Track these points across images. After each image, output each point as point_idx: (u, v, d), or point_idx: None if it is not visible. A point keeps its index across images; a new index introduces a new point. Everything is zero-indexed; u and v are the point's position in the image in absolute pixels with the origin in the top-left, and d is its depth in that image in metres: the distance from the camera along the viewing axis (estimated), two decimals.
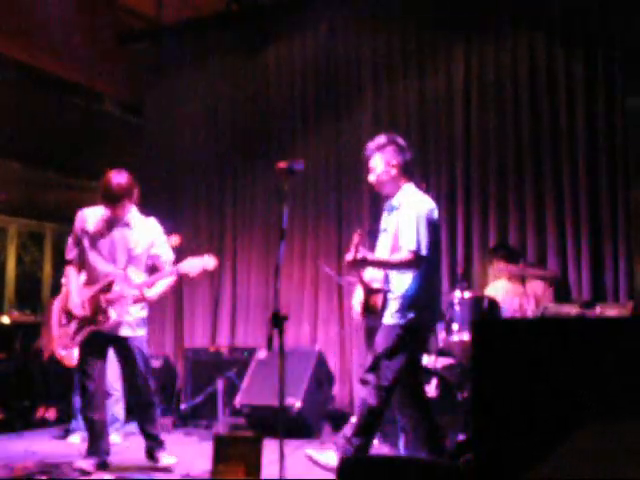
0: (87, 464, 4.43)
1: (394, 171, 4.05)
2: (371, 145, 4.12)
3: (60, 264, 6.14)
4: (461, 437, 4.53)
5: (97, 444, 4.52)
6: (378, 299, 3.99)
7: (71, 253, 4.62)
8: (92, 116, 7.91)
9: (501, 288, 5.64)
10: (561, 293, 5.74)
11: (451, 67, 6.46)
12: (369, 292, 4.04)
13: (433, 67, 6.54)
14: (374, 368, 3.89)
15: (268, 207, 7.09)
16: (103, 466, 4.49)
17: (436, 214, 4.05)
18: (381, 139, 4.11)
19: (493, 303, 5.05)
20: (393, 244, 3.99)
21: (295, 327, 6.70)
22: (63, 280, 5.87)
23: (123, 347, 4.55)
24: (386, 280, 4.02)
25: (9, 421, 6.11)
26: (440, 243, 4.22)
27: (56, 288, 5.97)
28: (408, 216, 3.93)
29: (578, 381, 1.82)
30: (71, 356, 5.35)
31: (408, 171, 4.12)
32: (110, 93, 8.09)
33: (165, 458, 4.61)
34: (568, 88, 5.99)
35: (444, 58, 6.49)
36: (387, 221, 4.13)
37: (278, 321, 3.44)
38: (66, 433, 5.69)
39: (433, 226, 3.96)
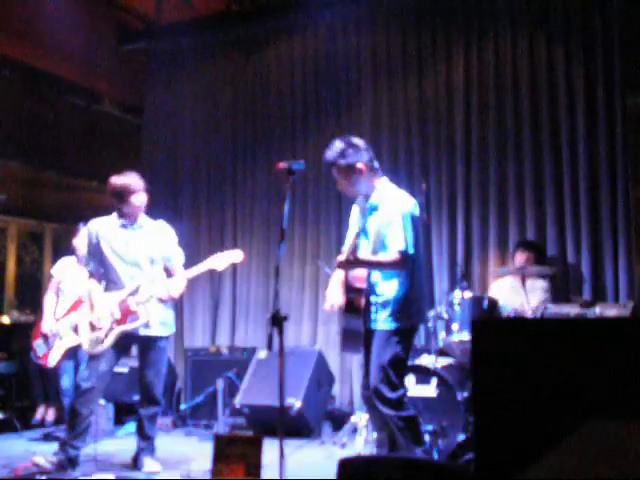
0: (45, 461, 4.41)
1: (362, 171, 3.91)
2: (328, 155, 3.95)
3: None
4: (461, 437, 4.53)
5: (71, 439, 4.47)
6: (362, 300, 3.89)
7: (89, 266, 4.72)
8: (92, 116, 7.91)
9: (505, 287, 5.65)
10: (561, 293, 5.75)
11: (451, 67, 6.46)
12: (352, 292, 3.92)
13: (433, 67, 6.55)
14: (383, 380, 3.79)
15: (268, 207, 7.09)
16: (69, 463, 4.43)
17: (417, 210, 3.96)
18: (336, 146, 3.93)
19: (493, 303, 5.05)
20: (375, 245, 3.89)
21: (295, 327, 6.71)
22: (52, 271, 5.92)
23: (148, 346, 4.65)
24: (368, 281, 3.92)
25: (9, 421, 6.11)
26: (421, 239, 4.10)
27: None
28: (392, 215, 3.84)
29: (578, 381, 1.82)
30: (46, 357, 5.40)
31: (375, 167, 3.99)
32: (110, 93, 8.09)
33: (149, 465, 4.59)
34: (568, 88, 6.00)
35: (444, 58, 6.49)
36: (367, 222, 3.98)
37: (278, 321, 3.43)
38: (46, 437, 5.63)
39: (416, 223, 3.90)
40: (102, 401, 5.85)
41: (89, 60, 7.59)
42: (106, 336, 4.50)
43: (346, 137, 4.02)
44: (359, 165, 3.91)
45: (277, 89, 7.26)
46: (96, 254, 4.65)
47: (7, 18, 6.81)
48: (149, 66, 7.93)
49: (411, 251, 3.81)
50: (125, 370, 6.16)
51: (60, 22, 7.01)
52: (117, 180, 4.62)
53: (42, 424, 5.99)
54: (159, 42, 7.84)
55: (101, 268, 4.65)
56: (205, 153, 7.56)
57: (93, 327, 4.54)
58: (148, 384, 4.66)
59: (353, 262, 3.87)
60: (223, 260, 4.57)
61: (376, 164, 4.02)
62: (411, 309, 3.89)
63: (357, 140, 3.99)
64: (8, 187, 7.78)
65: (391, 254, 3.83)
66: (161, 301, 4.57)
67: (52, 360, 5.51)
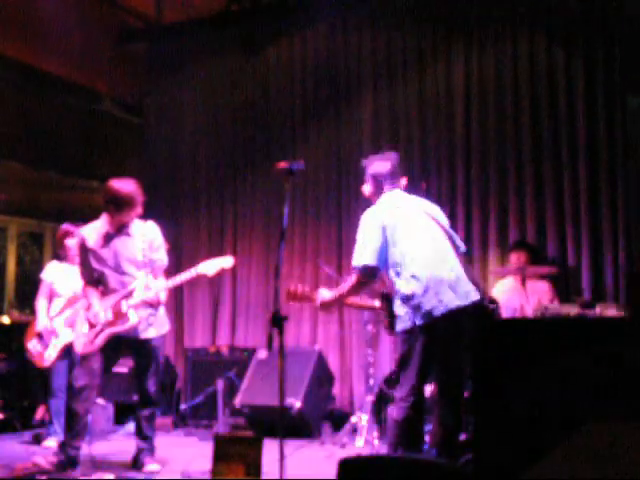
0: (45, 461, 4.43)
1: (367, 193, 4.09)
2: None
3: None
4: (461, 437, 4.52)
5: (70, 439, 4.50)
6: (381, 302, 4.00)
7: (84, 275, 4.74)
8: (92, 116, 7.90)
9: (507, 287, 5.66)
10: (561, 293, 5.75)
11: (451, 67, 6.46)
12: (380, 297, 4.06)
13: (433, 67, 6.55)
14: (395, 382, 3.81)
15: (268, 207, 7.09)
16: (69, 463, 4.45)
17: (387, 217, 3.80)
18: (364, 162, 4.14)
19: (493, 303, 5.04)
20: None
21: (295, 327, 6.70)
22: (41, 275, 5.89)
23: (140, 349, 4.68)
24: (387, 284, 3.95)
25: (9, 421, 6.11)
26: (409, 232, 3.80)
27: None
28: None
29: (578, 381, 1.82)
30: (42, 356, 5.38)
31: (377, 189, 4.05)
32: (110, 93, 8.08)
33: (150, 465, 4.60)
34: (568, 88, 6.00)
35: (444, 58, 6.49)
36: None
37: (278, 321, 3.43)
38: (36, 438, 5.62)
39: (379, 227, 3.78)
40: (102, 401, 5.86)
41: (89, 60, 7.58)
42: (96, 337, 4.53)
43: (371, 156, 4.21)
44: (365, 187, 4.09)
45: (277, 89, 7.25)
46: (87, 263, 4.68)
47: (6, 18, 6.81)
48: (149, 66, 7.93)
49: (359, 263, 3.77)
50: (125, 370, 6.16)
51: (60, 22, 7.00)
52: (121, 188, 4.57)
53: (42, 424, 5.98)
54: (159, 42, 7.84)
55: (94, 274, 4.67)
56: (205, 153, 7.56)
57: (90, 325, 4.57)
58: (143, 385, 4.69)
59: (324, 305, 3.96)
60: (213, 266, 4.61)
61: (374, 188, 4.05)
62: (414, 308, 3.71)
63: (379, 161, 4.09)
64: (8, 187, 7.78)
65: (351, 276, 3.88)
66: (151, 306, 4.58)
67: (48, 359, 5.48)
